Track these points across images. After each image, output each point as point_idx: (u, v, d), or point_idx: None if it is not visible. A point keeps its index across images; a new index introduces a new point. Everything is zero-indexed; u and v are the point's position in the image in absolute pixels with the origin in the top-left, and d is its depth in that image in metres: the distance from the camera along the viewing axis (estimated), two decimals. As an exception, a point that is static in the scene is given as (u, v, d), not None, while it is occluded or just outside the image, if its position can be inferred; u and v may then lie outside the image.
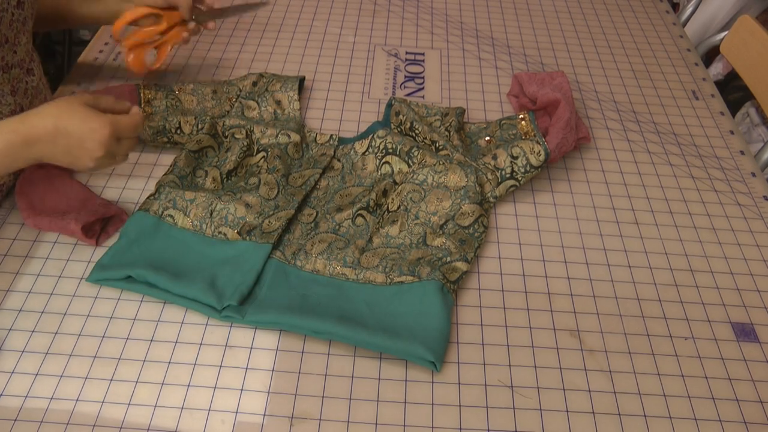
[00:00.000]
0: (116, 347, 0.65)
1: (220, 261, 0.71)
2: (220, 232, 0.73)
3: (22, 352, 0.64)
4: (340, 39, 1.12)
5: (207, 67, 1.03)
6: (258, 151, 0.83)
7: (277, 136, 0.84)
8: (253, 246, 0.72)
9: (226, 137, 0.85)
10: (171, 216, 0.74)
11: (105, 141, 0.64)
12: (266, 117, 0.90)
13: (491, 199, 0.80)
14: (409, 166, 0.81)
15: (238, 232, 0.73)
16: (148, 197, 0.76)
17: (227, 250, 0.72)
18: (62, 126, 0.62)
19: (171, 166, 0.80)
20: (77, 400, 0.61)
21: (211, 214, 0.74)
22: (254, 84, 0.93)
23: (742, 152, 0.94)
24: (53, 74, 1.59)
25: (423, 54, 1.09)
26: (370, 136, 0.85)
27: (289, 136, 0.84)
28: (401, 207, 0.77)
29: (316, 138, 0.87)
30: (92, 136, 0.63)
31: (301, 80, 0.96)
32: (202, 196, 0.75)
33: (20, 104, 0.75)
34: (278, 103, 0.91)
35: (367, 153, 0.84)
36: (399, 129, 0.88)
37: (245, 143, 0.83)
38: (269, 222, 0.74)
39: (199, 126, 0.84)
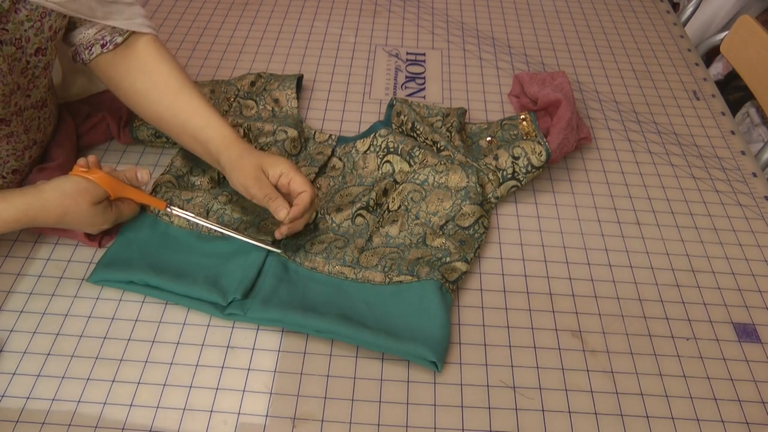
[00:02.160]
0: (118, 348, 0.65)
1: (220, 257, 0.71)
2: (231, 236, 0.73)
3: (24, 353, 0.64)
4: (340, 39, 1.12)
5: (207, 68, 1.03)
6: None
7: (274, 133, 0.84)
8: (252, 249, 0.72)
9: None
10: (167, 215, 0.74)
11: (101, 230, 0.71)
12: (264, 116, 0.90)
13: (493, 200, 0.80)
14: (411, 165, 0.81)
15: (234, 230, 0.73)
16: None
17: (226, 246, 0.72)
18: (66, 221, 0.66)
19: (168, 166, 0.80)
20: (79, 401, 0.61)
21: (207, 213, 0.74)
22: (252, 84, 0.93)
23: (743, 152, 0.94)
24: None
25: (424, 54, 1.09)
26: (372, 135, 0.85)
27: (286, 132, 0.84)
28: (402, 207, 0.77)
29: (314, 135, 0.87)
30: (92, 229, 0.70)
31: (299, 78, 0.96)
32: (199, 196, 0.75)
33: (33, 139, 0.75)
34: (276, 101, 0.91)
35: (368, 152, 0.84)
36: (400, 129, 0.88)
37: None
38: (265, 223, 0.75)
39: None
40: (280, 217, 0.69)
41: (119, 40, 0.74)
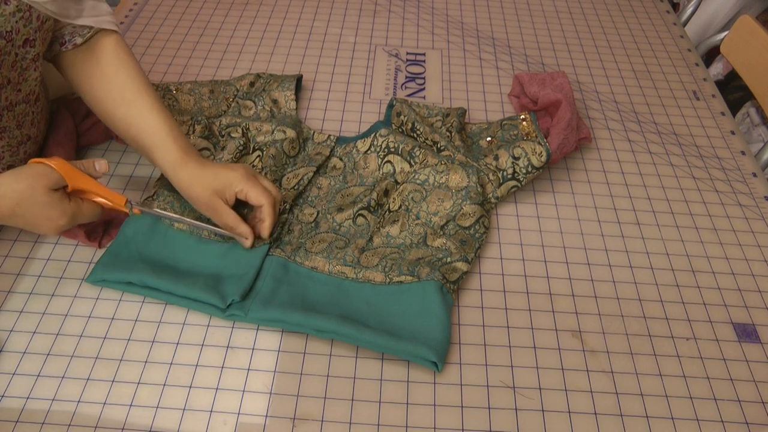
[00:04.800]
0: (118, 348, 0.65)
1: (219, 259, 0.71)
2: (216, 234, 0.73)
3: (24, 353, 0.64)
4: (340, 39, 1.12)
5: (207, 68, 1.03)
6: (254, 150, 0.83)
7: (272, 132, 0.84)
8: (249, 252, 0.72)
9: (222, 136, 0.85)
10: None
11: (59, 228, 0.64)
12: (263, 116, 0.90)
13: (493, 200, 0.80)
14: (411, 165, 0.81)
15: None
16: (145, 199, 0.76)
17: (225, 249, 0.72)
18: (20, 212, 0.62)
19: None
20: (79, 401, 0.61)
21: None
22: (251, 84, 0.93)
23: (743, 152, 0.94)
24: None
25: (424, 54, 1.09)
26: (373, 135, 0.85)
27: (284, 132, 0.84)
28: (402, 207, 0.77)
29: (313, 136, 0.87)
30: (47, 223, 0.64)
31: (299, 79, 0.96)
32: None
33: (27, 134, 0.74)
34: (275, 102, 0.91)
35: (369, 152, 0.84)
36: (400, 129, 0.88)
37: (241, 142, 0.82)
38: None
39: (195, 127, 0.84)
40: (246, 246, 0.71)
41: (78, 41, 0.72)
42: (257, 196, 0.70)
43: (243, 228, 0.70)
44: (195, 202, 0.71)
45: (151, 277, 0.67)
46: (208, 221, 0.73)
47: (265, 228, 0.71)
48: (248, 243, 0.71)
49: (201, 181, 0.70)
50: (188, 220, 0.71)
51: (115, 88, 0.73)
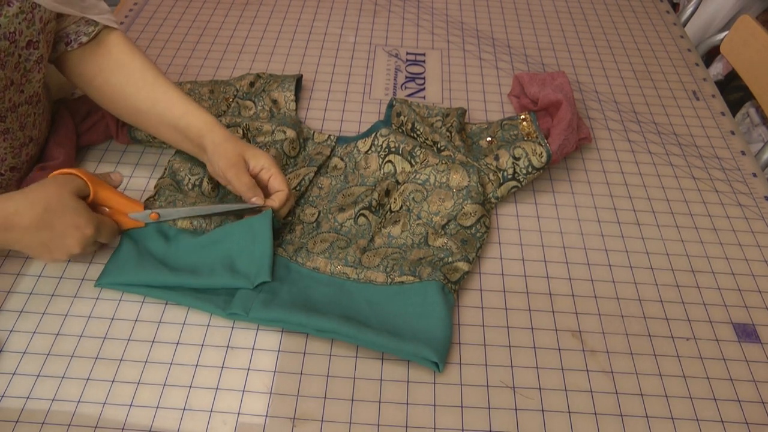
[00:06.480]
0: (118, 348, 0.65)
1: (228, 244, 0.70)
2: (225, 213, 0.73)
3: (23, 353, 0.64)
4: (340, 39, 1.12)
5: (207, 68, 1.03)
6: None
7: (273, 132, 0.84)
8: (253, 219, 0.71)
9: None
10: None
11: (85, 240, 0.64)
12: (263, 116, 0.90)
13: (493, 200, 0.80)
14: (412, 165, 0.81)
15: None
16: (147, 199, 0.76)
17: (230, 231, 0.71)
18: (48, 219, 0.61)
19: (165, 168, 0.80)
20: (79, 401, 0.61)
21: (211, 216, 0.74)
22: (251, 84, 0.93)
23: (743, 152, 0.94)
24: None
25: (424, 54, 1.09)
26: (373, 135, 0.85)
27: (284, 133, 0.84)
28: (403, 207, 0.77)
29: (313, 136, 0.87)
30: (74, 234, 0.63)
31: (299, 79, 0.96)
32: (202, 201, 0.75)
33: (29, 136, 0.75)
34: (275, 102, 0.91)
35: (370, 152, 0.84)
36: (400, 130, 0.88)
37: None
38: None
39: None
40: (258, 203, 0.71)
41: (84, 39, 0.74)
42: (282, 182, 0.71)
43: (258, 190, 0.71)
44: (220, 161, 0.71)
45: (169, 275, 0.67)
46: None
47: (275, 206, 0.71)
48: (260, 201, 0.70)
49: (232, 143, 0.72)
50: (202, 208, 0.72)
51: (134, 71, 0.75)
